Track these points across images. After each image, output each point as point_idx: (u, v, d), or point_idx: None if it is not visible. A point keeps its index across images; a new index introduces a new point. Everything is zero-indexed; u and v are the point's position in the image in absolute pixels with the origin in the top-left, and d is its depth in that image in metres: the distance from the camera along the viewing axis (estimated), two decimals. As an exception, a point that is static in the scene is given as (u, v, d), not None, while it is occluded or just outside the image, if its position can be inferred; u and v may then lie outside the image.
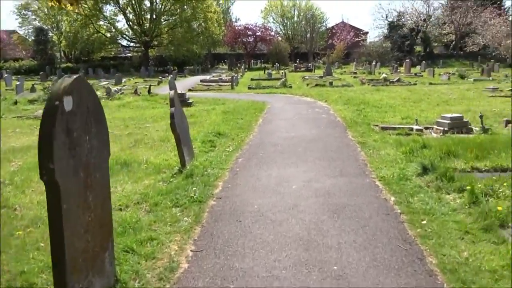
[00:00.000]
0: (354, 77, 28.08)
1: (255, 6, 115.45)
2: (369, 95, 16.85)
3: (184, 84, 27.02)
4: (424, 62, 39.06)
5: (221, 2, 61.84)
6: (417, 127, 9.96)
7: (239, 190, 5.37)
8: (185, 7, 42.84)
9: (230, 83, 22.80)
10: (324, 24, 61.87)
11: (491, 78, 24.76)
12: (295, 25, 61.78)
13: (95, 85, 26.03)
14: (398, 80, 22.81)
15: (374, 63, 34.50)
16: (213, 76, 32.04)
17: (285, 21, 62.19)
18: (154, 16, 43.40)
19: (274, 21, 62.17)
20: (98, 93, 19.32)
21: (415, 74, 29.52)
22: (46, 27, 46.80)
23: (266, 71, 32.48)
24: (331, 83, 21.87)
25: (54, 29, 48.44)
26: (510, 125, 10.07)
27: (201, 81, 27.38)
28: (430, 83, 21.92)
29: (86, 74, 38.84)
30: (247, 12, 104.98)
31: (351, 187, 5.43)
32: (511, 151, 6.63)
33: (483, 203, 4.50)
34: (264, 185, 5.55)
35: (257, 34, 50.91)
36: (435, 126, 10.03)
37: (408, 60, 34.25)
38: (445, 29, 51.94)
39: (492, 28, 48.13)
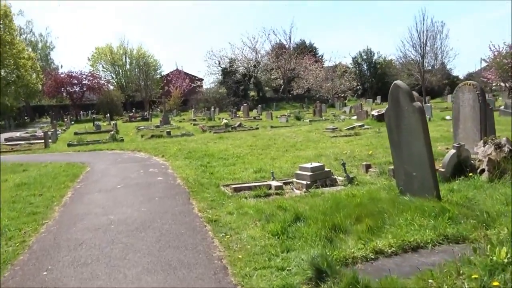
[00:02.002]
0: (194, 124, 26.27)
1: (81, 53, 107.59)
2: (213, 145, 14.86)
3: (-20, 145, 21.16)
4: (259, 105, 40.03)
5: (39, 46, 54.70)
6: (276, 183, 8.08)
7: None
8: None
9: (44, 141, 18.32)
10: (158, 71, 60.08)
11: (323, 118, 25.77)
12: (128, 73, 58.44)
13: None
14: (240, 125, 21.70)
15: (212, 109, 33.53)
16: (27, 132, 26.45)
17: (117, 69, 58.34)
18: None
19: (104, 69, 57.74)
20: None
21: (254, 117, 29.34)
22: None
23: (95, 123, 28.33)
24: (169, 133, 19.40)
25: None
26: (370, 169, 9.01)
27: (6, 140, 21.88)
28: (272, 126, 21.33)
29: None
30: (72, 59, 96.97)
31: None
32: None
33: None
34: None
35: (84, 82, 45.80)
36: (295, 180, 8.31)
37: (245, 104, 34.34)
38: (273, 74, 55.44)
39: (312, 72, 53.30)
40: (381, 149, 11.68)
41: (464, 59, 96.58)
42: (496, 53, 37.41)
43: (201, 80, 60.37)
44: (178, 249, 4.70)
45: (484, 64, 52.39)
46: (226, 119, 27.00)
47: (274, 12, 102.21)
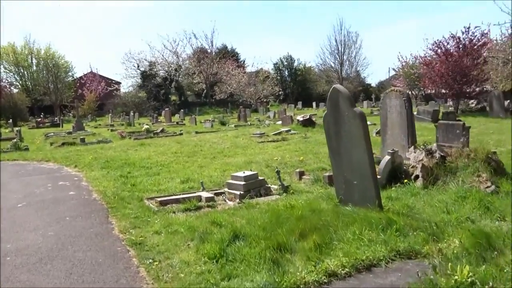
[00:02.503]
0: (112, 130, 24.48)
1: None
2: (134, 152, 13.71)
3: None
4: (182, 110, 38.82)
5: None
6: (206, 194, 7.42)
7: None
8: None
9: None
10: (70, 73, 55.81)
11: (249, 123, 25.47)
12: (35, 75, 53.44)
13: None
14: (162, 131, 20.56)
15: (132, 113, 31.69)
16: None
17: (22, 71, 53.06)
18: None
19: (7, 70, 52.20)
20: None
21: (177, 123, 28.20)
22: None
23: (-5, 130, 25.19)
24: (83, 140, 17.70)
25: None
26: (304, 176, 8.69)
27: None
28: (196, 132, 20.48)
29: None
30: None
31: None
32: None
33: None
34: None
35: (-19, 84, 40.91)
36: (227, 190, 7.73)
37: (167, 109, 32.93)
38: (195, 78, 54.34)
39: (234, 77, 53.16)
40: (311, 154, 11.52)
41: (375, 68, 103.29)
42: (404, 63, 40.19)
43: (118, 83, 57.20)
44: (94, 286, 3.83)
45: (392, 73, 56.52)
46: (147, 124, 25.58)
47: (195, 15, 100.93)
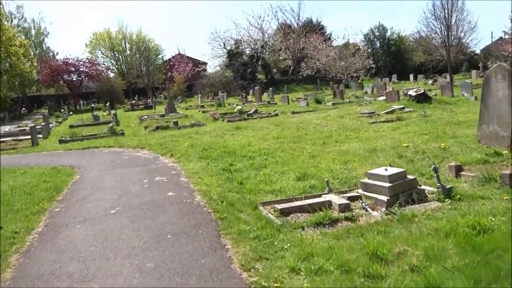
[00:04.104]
0: (203, 111, 23.66)
1: (78, 39, 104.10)
2: (231, 137, 12.33)
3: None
4: (270, 88, 37.27)
5: (32, 33, 51.76)
6: (337, 198, 5.64)
7: None
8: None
9: (31, 138, 15.81)
10: (160, 56, 57.11)
11: (347, 101, 23.08)
12: (129, 59, 55.57)
13: None
14: (256, 112, 19.10)
15: (221, 94, 30.81)
16: (18, 126, 24.01)
17: (117, 55, 55.47)
18: None
19: (104, 55, 54.89)
20: None
21: (268, 102, 26.67)
22: None
23: (93, 114, 25.81)
24: (176, 123, 16.87)
25: None
26: (462, 173, 6.46)
27: (-9, 136, 19.46)
28: (293, 112, 18.70)
29: None
30: (68, 46, 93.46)
31: None
32: None
33: None
34: None
35: (82, 69, 43.06)
36: (363, 192, 5.85)
37: (257, 87, 31.53)
38: (281, 55, 52.40)
39: (322, 52, 50.26)
40: (449, 139, 9.11)
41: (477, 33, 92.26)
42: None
43: (205, 64, 57.38)
44: None
45: (496, 38, 49.41)
46: (237, 104, 24.43)
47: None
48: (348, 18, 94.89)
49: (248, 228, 4.75)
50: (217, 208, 5.60)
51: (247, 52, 51.83)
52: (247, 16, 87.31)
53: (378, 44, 57.65)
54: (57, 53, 55.93)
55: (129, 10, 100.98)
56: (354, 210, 5.39)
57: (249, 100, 29.96)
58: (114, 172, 8.81)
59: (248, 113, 18.75)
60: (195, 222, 5.11)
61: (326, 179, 6.25)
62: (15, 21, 49.18)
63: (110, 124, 17.26)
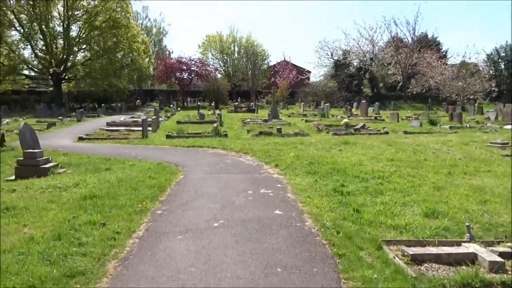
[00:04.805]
0: (306, 120, 22.95)
1: (192, 40, 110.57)
2: (338, 153, 11.40)
3: (83, 128, 20.40)
4: (376, 103, 35.30)
5: (153, 32, 55.88)
6: (484, 252, 4.50)
7: None
8: (105, 34, 36.35)
9: (142, 130, 16.48)
10: (266, 61, 57.85)
11: (467, 125, 20.63)
12: (236, 61, 57.30)
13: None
14: (363, 127, 17.84)
15: (324, 104, 29.81)
16: (132, 117, 25.62)
17: (225, 57, 57.56)
18: (67, 45, 36.32)
19: (213, 57, 57.30)
20: None
21: (375, 118, 25.05)
22: None
23: (199, 112, 26.61)
24: (279, 130, 16.38)
25: None
26: None
27: (108, 124, 20.84)
28: (405, 132, 17.11)
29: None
30: (183, 46, 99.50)
31: None
32: None
33: None
34: None
35: (192, 69, 45.18)
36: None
37: (364, 101, 29.97)
38: (390, 69, 49.66)
39: (436, 70, 46.46)
40: None
41: None
42: None
43: (309, 72, 56.79)
44: None
45: None
46: (342, 117, 23.30)
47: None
48: (467, 35, 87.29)
49: (374, 275, 3.85)
50: (332, 240, 4.77)
51: (355, 63, 50.02)
52: (358, 27, 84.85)
53: (503, 66, 51.80)
54: (172, 52, 59.70)
55: (242, 15, 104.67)
56: (509, 272, 4.20)
57: (354, 113, 28.54)
58: (217, 177, 8.44)
59: (356, 127, 17.58)
60: (307, 255, 4.34)
61: (466, 223, 5.07)
62: (139, 20, 53.56)
63: (215, 125, 17.36)
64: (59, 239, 4.63)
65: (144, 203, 6.23)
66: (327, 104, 28.78)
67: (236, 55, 57.79)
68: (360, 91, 47.92)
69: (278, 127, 17.20)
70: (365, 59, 49.45)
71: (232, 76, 54.76)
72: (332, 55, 51.37)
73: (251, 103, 39.57)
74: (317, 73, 62.16)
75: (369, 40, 50.63)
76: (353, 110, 31.81)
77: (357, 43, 50.52)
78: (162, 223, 5.39)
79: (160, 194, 6.93)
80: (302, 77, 53.41)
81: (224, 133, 16.13)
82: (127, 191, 6.90)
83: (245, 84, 54.52)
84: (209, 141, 14.23)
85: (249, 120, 22.49)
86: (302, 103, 37.90)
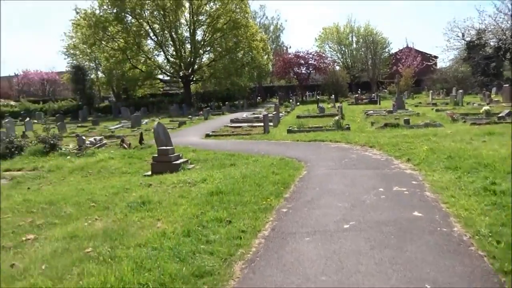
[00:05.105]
0: (436, 110, 20.85)
1: (308, 34, 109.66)
2: (480, 144, 9.93)
3: (209, 125, 21.47)
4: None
5: (271, 29, 56.86)
6: None
7: None
8: (227, 35, 38.08)
9: (263, 126, 16.64)
10: (387, 49, 54.55)
11: None
12: (354, 52, 55.27)
13: (98, 130, 21.22)
14: (509, 115, 15.42)
15: (458, 90, 26.74)
16: (253, 113, 26.28)
17: (343, 49, 55.92)
18: (194, 48, 38.98)
19: (331, 49, 56.09)
20: (70, 146, 14.09)
21: (523, 104, 21.57)
22: (85, 65, 43.96)
23: (318, 105, 26.10)
24: (407, 121, 15.06)
25: (94, 67, 45.99)
26: None
27: (231, 121, 21.63)
28: None
29: (117, 114, 35.08)
30: (300, 40, 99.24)
31: None
32: None
33: None
34: None
35: (310, 62, 44.75)
36: None
37: (507, 85, 26.17)
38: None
39: None
40: None
41: None
42: None
43: (435, 57, 51.89)
44: None
45: None
46: (480, 104, 20.64)
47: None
48: None
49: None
50: (492, 251, 3.93)
51: (492, 43, 44.13)
52: (494, 2, 74.98)
53: None
54: (290, 47, 60.07)
55: (360, 4, 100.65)
56: None
57: (494, 99, 25.09)
58: (342, 172, 7.92)
59: (499, 115, 15.30)
60: (462, 269, 3.61)
61: None
62: (257, 19, 54.90)
63: (336, 118, 16.71)
64: (188, 236, 4.65)
65: (268, 200, 6.04)
66: (460, 91, 25.78)
67: (354, 45, 55.76)
68: (499, 74, 42.19)
69: (405, 118, 15.84)
70: (504, 37, 43.27)
71: (351, 68, 52.95)
72: (463, 36, 46.03)
73: (373, 94, 37.64)
74: (446, 58, 56.44)
75: (510, 15, 44.18)
76: (492, 96, 28.06)
77: (494, 20, 44.39)
78: (288, 222, 5.11)
79: (284, 190, 6.69)
80: (428, 63, 48.97)
81: (347, 126, 15.41)
82: (251, 187, 6.80)
83: (365, 75, 52.24)
84: (331, 134, 13.69)
85: (372, 111, 21.26)
86: (430, 91, 34.76)
